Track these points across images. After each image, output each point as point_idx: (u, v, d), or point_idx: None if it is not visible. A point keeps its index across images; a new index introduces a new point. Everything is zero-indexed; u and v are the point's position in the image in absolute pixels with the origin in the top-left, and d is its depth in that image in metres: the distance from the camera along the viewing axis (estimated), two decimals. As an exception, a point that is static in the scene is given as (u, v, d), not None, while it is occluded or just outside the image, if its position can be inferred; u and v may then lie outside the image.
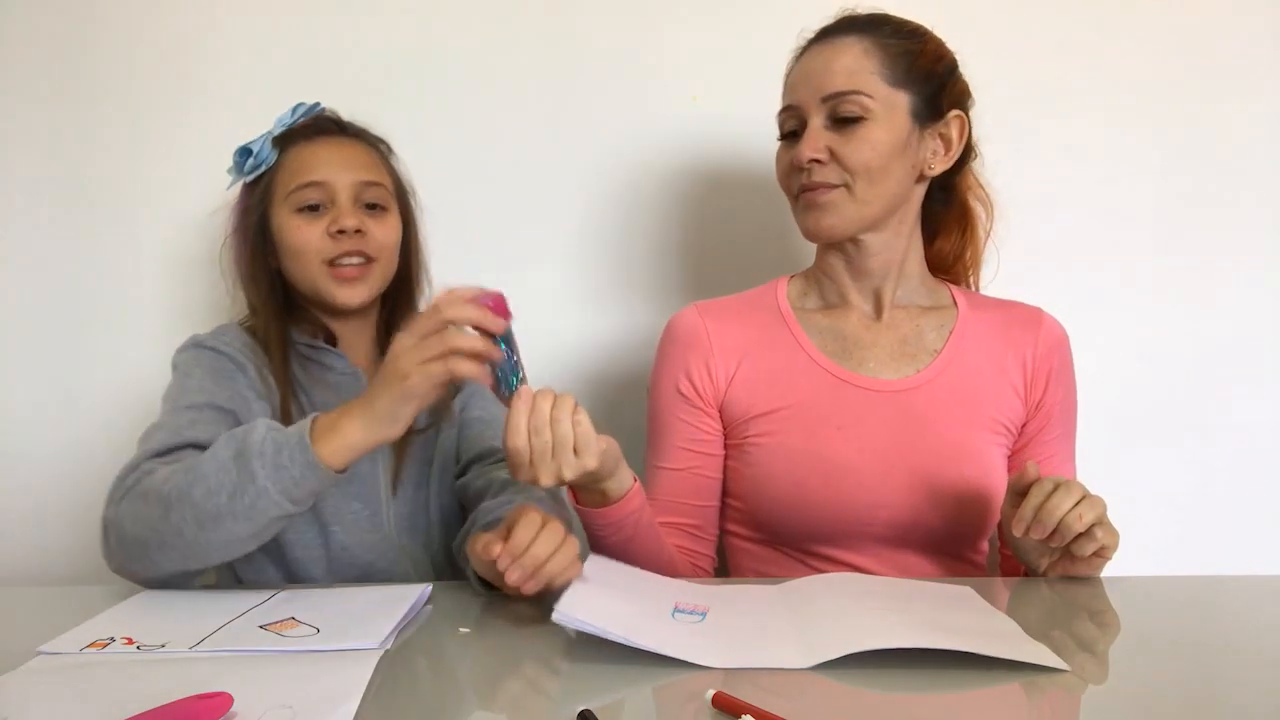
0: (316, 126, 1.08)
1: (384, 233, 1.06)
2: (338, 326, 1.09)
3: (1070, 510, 0.85)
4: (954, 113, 1.06)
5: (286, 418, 1.01)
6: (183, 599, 0.83)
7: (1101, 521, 0.87)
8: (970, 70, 1.09)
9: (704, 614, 0.76)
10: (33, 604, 0.92)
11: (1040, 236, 1.39)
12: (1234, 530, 1.42)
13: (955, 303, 1.13)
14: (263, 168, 1.06)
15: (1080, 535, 0.86)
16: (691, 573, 1.07)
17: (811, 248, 1.15)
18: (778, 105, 1.09)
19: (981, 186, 1.16)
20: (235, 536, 0.80)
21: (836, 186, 1.03)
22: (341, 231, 1.02)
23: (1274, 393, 1.43)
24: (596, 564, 0.84)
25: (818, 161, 1.03)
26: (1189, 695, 0.62)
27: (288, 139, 1.07)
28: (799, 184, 1.05)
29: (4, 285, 1.37)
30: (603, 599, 0.75)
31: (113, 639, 0.70)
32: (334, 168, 1.04)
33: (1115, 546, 0.88)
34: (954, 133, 1.07)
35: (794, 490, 1.03)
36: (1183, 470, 1.42)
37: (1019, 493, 0.90)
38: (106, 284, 1.37)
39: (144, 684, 0.60)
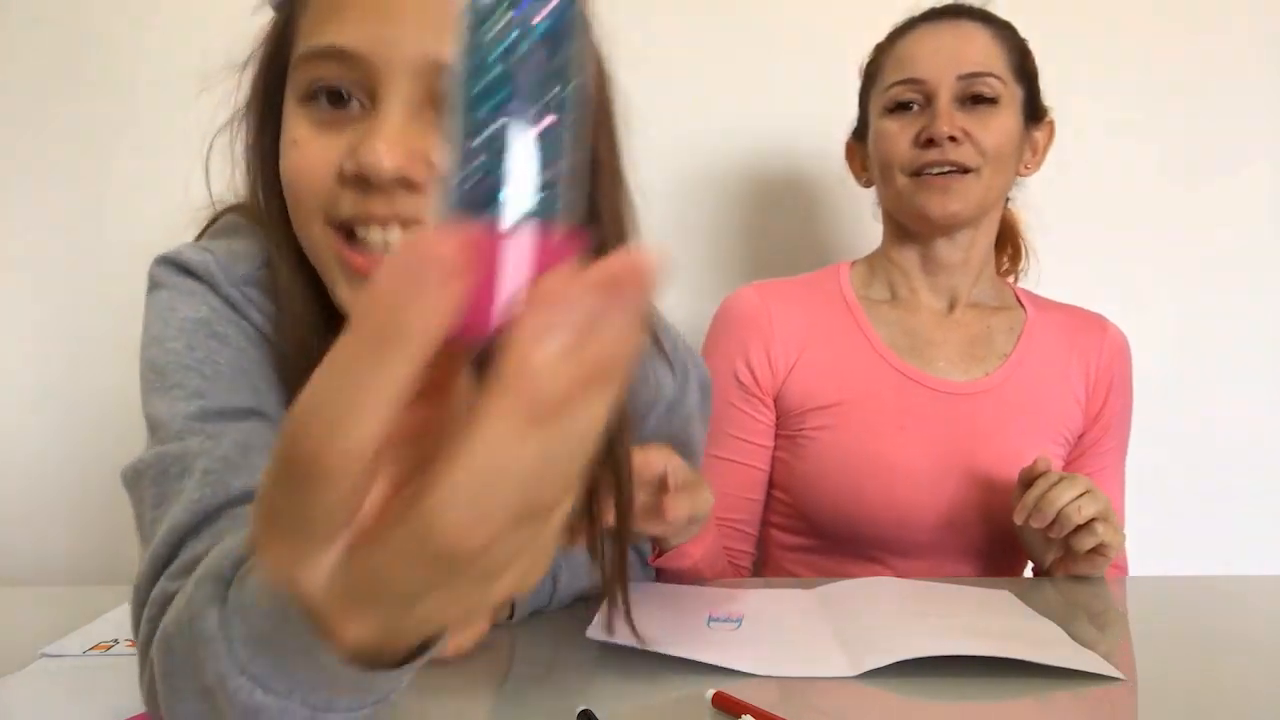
0: None
1: None
2: None
3: (1071, 502, 0.84)
4: (1048, 118, 1.06)
5: None
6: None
7: (1103, 518, 0.86)
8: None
9: (740, 620, 0.74)
10: (35, 605, 0.91)
11: (1039, 238, 1.39)
12: (1234, 530, 1.42)
13: (1021, 304, 1.12)
14: None
15: (1080, 529, 0.85)
16: (732, 573, 1.01)
17: (851, 238, 1.13)
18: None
19: None
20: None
21: (969, 170, 1.00)
22: (364, 177, 0.54)
23: (1275, 392, 1.43)
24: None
25: (953, 140, 0.99)
26: (1189, 695, 0.62)
27: None
28: (924, 161, 1.00)
29: (4, 285, 1.37)
30: (636, 613, 0.73)
31: (116, 641, 0.70)
32: (383, 22, 0.54)
33: (1117, 546, 0.87)
34: (1043, 139, 1.07)
35: (849, 490, 1.00)
36: (1183, 470, 1.42)
37: (1026, 483, 0.89)
38: (107, 284, 1.37)
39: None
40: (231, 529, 0.50)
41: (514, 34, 0.23)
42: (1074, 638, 0.70)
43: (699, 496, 0.76)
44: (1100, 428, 1.07)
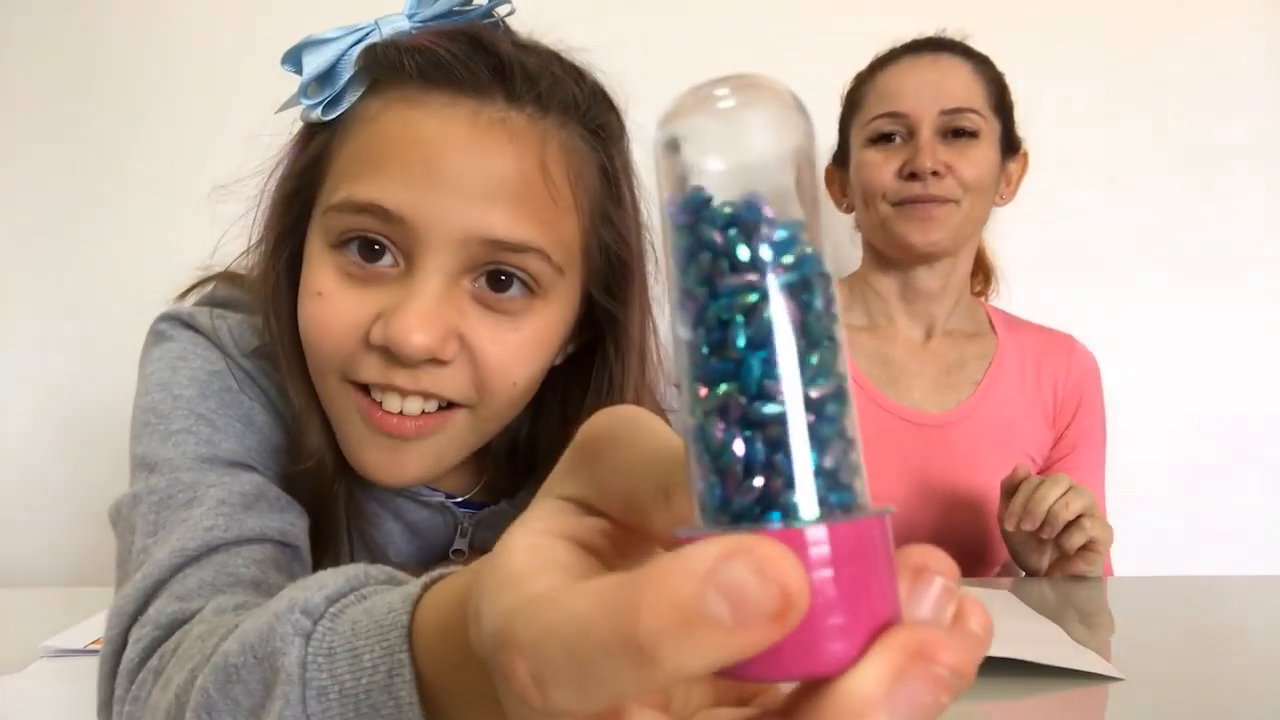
0: (441, 66, 0.52)
1: (504, 355, 0.55)
2: None
3: (1058, 500, 0.86)
4: (1022, 149, 1.09)
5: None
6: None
7: (1090, 513, 0.87)
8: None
9: None
10: (36, 604, 0.92)
11: (1038, 237, 1.39)
12: (1234, 530, 1.42)
13: (993, 327, 1.14)
14: (341, 106, 0.55)
15: (1069, 526, 0.86)
16: None
17: (840, 254, 1.14)
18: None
19: None
20: None
21: (949, 201, 1.02)
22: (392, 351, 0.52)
23: (1275, 392, 1.43)
24: None
25: (935, 174, 1.01)
26: (1188, 695, 0.62)
27: (384, 68, 0.54)
28: (907, 194, 1.03)
29: (5, 285, 1.38)
30: None
31: (117, 638, 0.70)
32: (431, 186, 0.51)
33: (1107, 541, 0.89)
34: (1017, 170, 1.09)
35: None
36: (1183, 470, 1.43)
37: (1009, 492, 0.91)
38: (108, 284, 1.37)
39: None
40: (239, 567, 0.48)
41: None
42: (1073, 637, 0.70)
43: None
44: (1067, 444, 1.10)
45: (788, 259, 0.20)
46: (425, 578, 0.32)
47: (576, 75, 0.57)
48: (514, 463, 0.68)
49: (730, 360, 0.20)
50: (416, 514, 0.66)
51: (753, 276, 0.20)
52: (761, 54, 1.37)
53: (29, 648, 0.67)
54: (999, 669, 0.62)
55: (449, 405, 0.56)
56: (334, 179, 0.55)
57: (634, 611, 0.17)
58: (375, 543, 0.65)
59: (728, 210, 0.20)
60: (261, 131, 0.61)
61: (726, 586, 0.16)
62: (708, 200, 0.20)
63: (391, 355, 0.52)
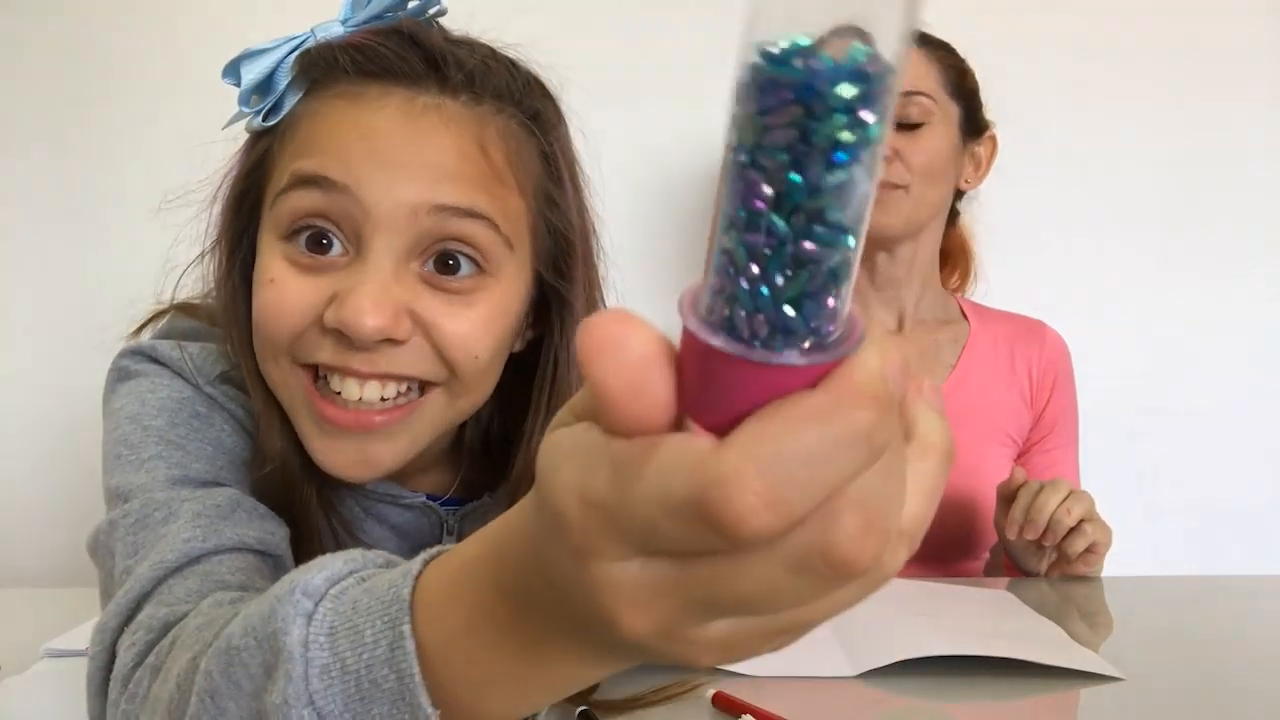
0: (376, 59, 0.54)
1: (460, 329, 0.54)
2: None
3: (1059, 506, 0.87)
4: (989, 132, 1.10)
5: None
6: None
7: (1090, 517, 0.88)
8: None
9: None
10: (37, 605, 0.92)
11: (1037, 238, 1.39)
12: (1233, 530, 1.42)
13: (965, 315, 1.15)
14: (281, 112, 0.56)
15: (1071, 532, 0.87)
16: None
17: None
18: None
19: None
20: None
21: (899, 186, 1.03)
22: (345, 334, 0.52)
23: (1275, 392, 1.43)
24: None
25: (884, 159, 1.02)
26: (1187, 695, 0.62)
27: (320, 68, 0.55)
28: None
29: (4, 285, 1.38)
30: None
31: (118, 639, 0.70)
32: (375, 165, 0.52)
33: (1107, 543, 0.89)
34: (985, 152, 1.10)
35: None
36: (1183, 470, 1.43)
37: (1007, 498, 0.92)
38: (107, 285, 1.37)
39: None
40: (224, 574, 0.47)
41: None
42: (1073, 637, 0.70)
43: None
44: (1044, 426, 1.11)
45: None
46: (425, 554, 0.33)
47: (510, 65, 0.58)
48: (488, 459, 0.67)
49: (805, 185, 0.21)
50: (398, 517, 0.65)
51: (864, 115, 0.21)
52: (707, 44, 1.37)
53: (30, 649, 0.67)
54: (999, 669, 0.62)
55: (422, 390, 0.56)
56: (279, 173, 0.55)
57: (852, 409, 0.21)
58: (361, 546, 0.65)
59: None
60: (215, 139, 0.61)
61: (893, 379, 0.22)
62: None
63: (346, 339, 0.52)
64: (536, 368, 0.62)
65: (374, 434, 0.54)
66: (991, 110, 1.11)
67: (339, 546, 0.56)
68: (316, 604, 0.33)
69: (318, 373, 0.55)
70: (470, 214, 0.52)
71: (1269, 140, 1.42)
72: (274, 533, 0.53)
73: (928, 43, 1.07)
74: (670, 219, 1.42)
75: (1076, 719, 0.60)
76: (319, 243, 0.53)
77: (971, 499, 1.03)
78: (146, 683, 0.41)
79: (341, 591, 0.34)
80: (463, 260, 0.54)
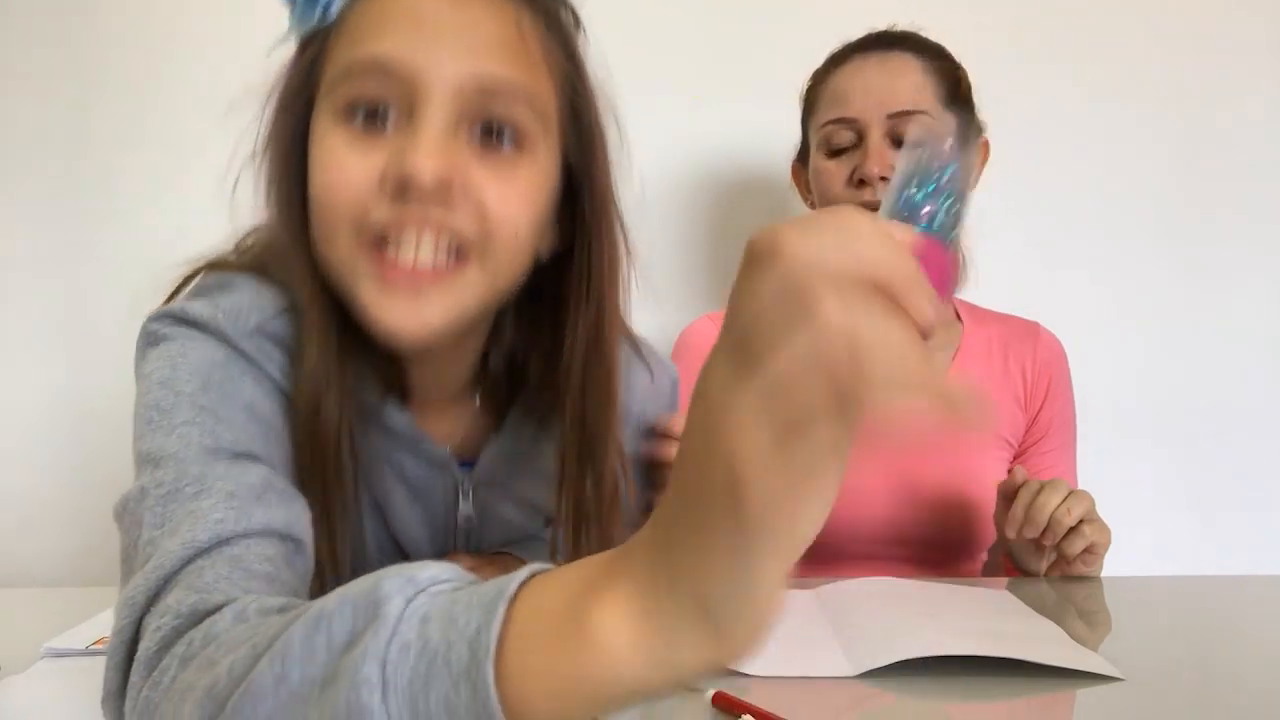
0: None
1: (505, 196, 0.58)
2: (408, 356, 0.65)
3: (1059, 505, 0.87)
4: (982, 138, 1.09)
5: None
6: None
7: (1090, 518, 0.88)
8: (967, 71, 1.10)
9: None
10: (37, 605, 0.92)
11: (1036, 238, 1.40)
12: (1234, 530, 1.42)
13: (959, 317, 1.15)
14: (334, 8, 0.59)
15: (1070, 533, 0.87)
16: None
17: None
18: (785, 109, 1.09)
19: None
20: None
21: None
22: (404, 186, 0.55)
23: (1275, 392, 1.43)
24: None
25: (884, 180, 1.02)
26: (1187, 695, 0.62)
27: None
28: (858, 202, 1.03)
29: (4, 285, 1.38)
30: None
31: (118, 639, 0.70)
32: (426, 44, 0.56)
33: (1106, 544, 0.89)
34: (977, 160, 1.09)
35: None
36: (1183, 470, 1.43)
37: (1008, 496, 0.92)
38: (108, 283, 1.37)
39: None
40: (252, 563, 0.48)
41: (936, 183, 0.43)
42: (1072, 637, 0.70)
43: None
44: (1039, 429, 1.11)
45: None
46: (527, 570, 0.34)
47: None
48: (510, 382, 0.70)
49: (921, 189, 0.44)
50: (415, 470, 0.67)
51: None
52: (730, 52, 1.37)
53: (30, 648, 0.67)
54: (999, 669, 0.62)
55: (458, 258, 0.58)
56: (333, 65, 0.59)
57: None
58: (380, 505, 0.67)
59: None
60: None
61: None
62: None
63: (405, 194, 0.55)
64: (559, 295, 0.65)
65: (425, 294, 0.57)
66: (987, 110, 1.11)
67: (364, 507, 0.62)
68: (419, 591, 0.35)
69: (377, 245, 0.57)
70: (511, 89, 0.58)
71: (1268, 138, 1.42)
72: (300, 516, 0.55)
73: (924, 50, 1.06)
74: (669, 219, 1.42)
75: (1076, 719, 0.60)
76: (373, 119, 0.57)
77: (967, 501, 1.03)
78: (173, 672, 0.41)
79: (439, 591, 0.35)
80: (506, 133, 0.58)
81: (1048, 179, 1.41)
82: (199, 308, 0.59)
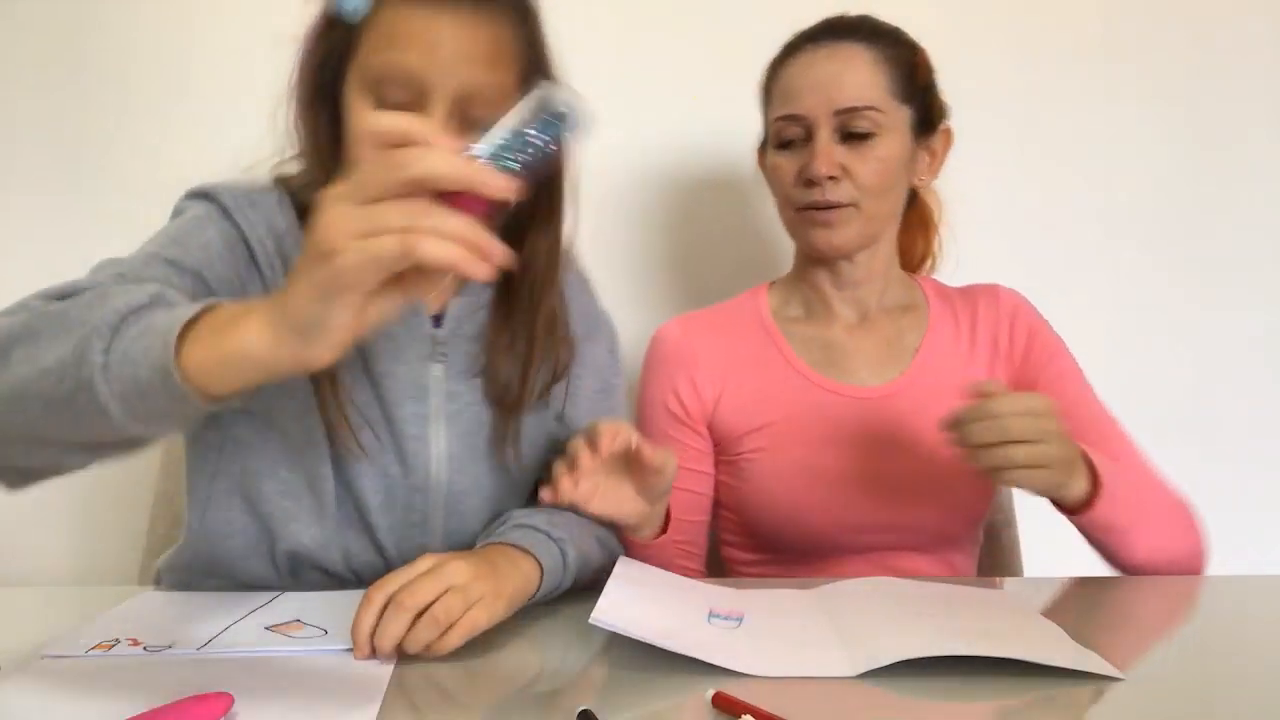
0: None
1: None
2: None
3: (1013, 417, 0.81)
4: (943, 125, 1.08)
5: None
6: (186, 600, 0.83)
7: (1034, 438, 0.81)
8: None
9: (740, 619, 0.75)
10: (35, 605, 0.92)
11: (1036, 238, 1.40)
12: (1234, 530, 1.42)
13: (926, 297, 1.14)
14: (359, 12, 0.79)
15: (1012, 445, 0.81)
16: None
17: (793, 250, 1.15)
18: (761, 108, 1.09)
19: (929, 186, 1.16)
20: (42, 430, 0.61)
21: (848, 205, 1.03)
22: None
23: (1275, 392, 1.44)
24: (628, 567, 0.83)
25: (832, 179, 1.02)
26: (1187, 695, 0.62)
27: None
28: (806, 200, 1.04)
29: (6, 278, 1.38)
30: (639, 604, 0.74)
31: (118, 640, 0.70)
32: (433, 58, 0.76)
33: (1062, 459, 0.83)
34: (940, 145, 1.08)
35: (788, 504, 1.04)
36: (1183, 470, 1.43)
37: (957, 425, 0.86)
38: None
39: (152, 686, 0.60)
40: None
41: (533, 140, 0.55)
42: (1073, 637, 0.70)
43: (669, 455, 0.86)
44: (1033, 366, 1.06)
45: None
46: (205, 301, 0.58)
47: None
48: None
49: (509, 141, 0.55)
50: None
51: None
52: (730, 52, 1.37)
53: (29, 648, 0.67)
54: (999, 669, 0.62)
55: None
56: (365, 48, 0.78)
57: None
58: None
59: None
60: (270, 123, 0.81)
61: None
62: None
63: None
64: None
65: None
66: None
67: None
68: (134, 310, 0.58)
69: None
70: (490, 91, 0.77)
71: (1270, 138, 1.42)
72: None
73: (877, 39, 1.03)
74: (654, 217, 1.42)
75: (1076, 719, 0.60)
76: (393, 106, 0.76)
77: (951, 481, 1.02)
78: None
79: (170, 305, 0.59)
80: (483, 123, 0.70)
81: (1048, 178, 1.41)
82: (227, 190, 0.82)
